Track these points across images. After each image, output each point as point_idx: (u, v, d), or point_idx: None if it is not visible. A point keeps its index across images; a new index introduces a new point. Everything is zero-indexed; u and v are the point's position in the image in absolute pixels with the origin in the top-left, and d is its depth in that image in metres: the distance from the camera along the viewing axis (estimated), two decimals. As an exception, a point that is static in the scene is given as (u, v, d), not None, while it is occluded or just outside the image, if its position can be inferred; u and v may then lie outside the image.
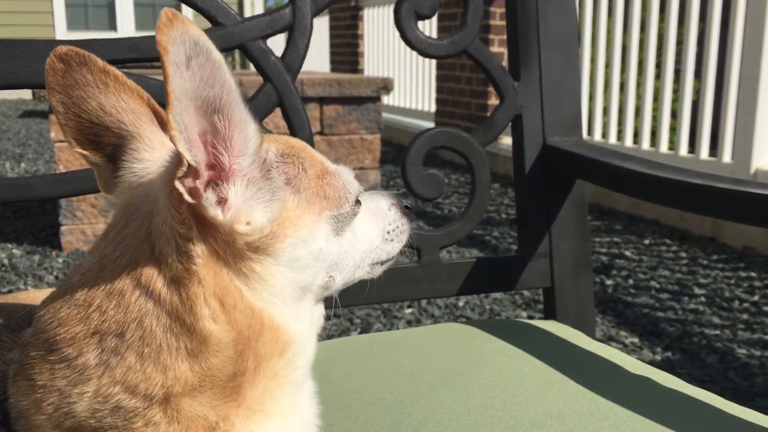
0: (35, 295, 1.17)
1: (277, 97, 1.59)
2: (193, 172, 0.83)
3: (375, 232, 1.10)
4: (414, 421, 1.22)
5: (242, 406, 0.93)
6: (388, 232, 1.12)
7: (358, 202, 1.05)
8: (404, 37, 1.68)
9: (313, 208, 0.98)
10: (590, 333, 1.72)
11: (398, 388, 1.34)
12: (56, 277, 4.55)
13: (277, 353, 0.95)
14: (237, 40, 1.56)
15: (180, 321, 0.87)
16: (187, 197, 0.84)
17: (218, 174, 0.89)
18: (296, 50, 1.61)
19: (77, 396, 0.87)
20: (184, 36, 0.78)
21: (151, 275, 0.87)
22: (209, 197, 0.87)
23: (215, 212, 0.88)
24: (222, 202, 0.89)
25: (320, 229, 0.98)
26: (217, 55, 0.82)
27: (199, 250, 0.88)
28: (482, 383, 1.34)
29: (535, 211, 1.76)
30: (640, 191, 1.54)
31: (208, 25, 1.56)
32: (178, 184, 0.83)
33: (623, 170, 1.53)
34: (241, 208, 0.91)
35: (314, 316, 1.04)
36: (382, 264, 1.12)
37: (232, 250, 0.91)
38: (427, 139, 1.70)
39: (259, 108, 1.59)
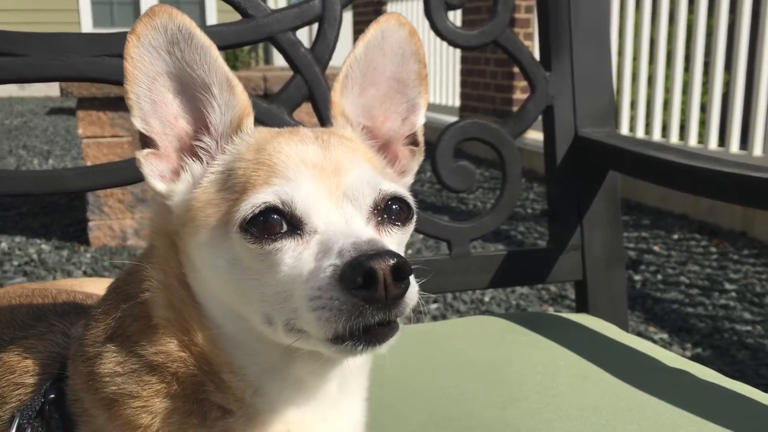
0: (72, 283, 1.18)
1: (306, 89, 1.59)
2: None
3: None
4: (448, 413, 1.21)
5: None
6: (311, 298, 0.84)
7: (243, 228, 0.89)
8: (434, 27, 1.66)
9: None
10: (623, 326, 1.69)
11: (431, 381, 1.33)
12: (84, 272, 4.59)
13: None
14: (267, 32, 1.55)
15: None
16: None
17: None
18: (326, 42, 1.60)
19: None
20: (168, 24, 0.91)
21: None
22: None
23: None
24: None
25: None
26: (203, 41, 0.93)
27: None
28: (516, 376, 1.33)
29: (566, 203, 1.74)
30: (676, 182, 1.51)
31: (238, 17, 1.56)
32: None
33: (659, 161, 1.50)
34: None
35: None
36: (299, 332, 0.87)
37: None
38: (458, 131, 1.69)
39: (289, 100, 1.58)
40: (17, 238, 5.20)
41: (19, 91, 14.34)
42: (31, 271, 4.56)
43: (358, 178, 0.92)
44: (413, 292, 0.85)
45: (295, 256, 0.86)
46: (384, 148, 1.10)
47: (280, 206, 0.87)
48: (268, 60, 12.53)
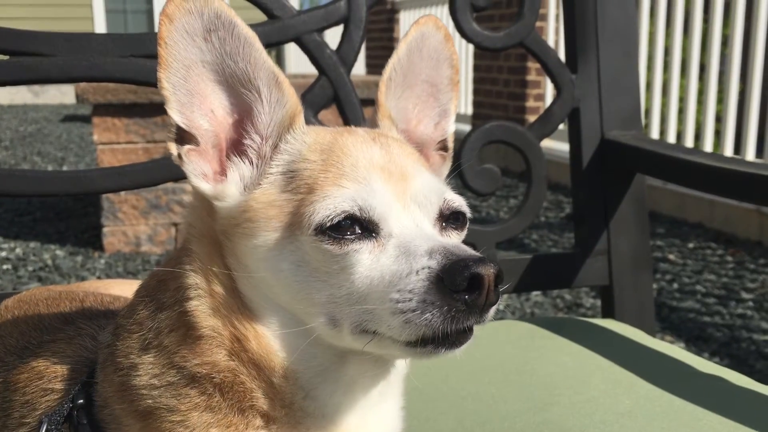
0: (98, 285, 1.17)
1: (332, 91, 1.58)
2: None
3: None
4: (478, 418, 1.19)
5: None
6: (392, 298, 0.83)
7: (319, 231, 0.87)
8: (459, 29, 1.65)
9: None
10: (650, 332, 1.67)
11: (459, 385, 1.31)
12: (98, 278, 4.58)
13: None
14: (293, 33, 1.54)
15: None
16: None
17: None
18: (351, 43, 1.59)
19: None
20: (203, 8, 0.85)
21: None
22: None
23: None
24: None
25: None
26: (246, 32, 0.87)
27: None
28: (546, 380, 1.31)
29: (592, 207, 1.72)
30: (708, 185, 1.49)
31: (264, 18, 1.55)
32: None
33: (688, 163, 1.48)
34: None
35: None
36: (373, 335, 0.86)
37: None
38: (483, 133, 1.67)
39: (314, 102, 1.57)
40: (32, 244, 5.21)
41: (33, 98, 14.41)
42: (45, 277, 4.56)
43: (425, 184, 0.93)
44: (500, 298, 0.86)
45: (373, 258, 0.86)
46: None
47: (358, 214, 0.86)
48: (279, 65, 12.60)
